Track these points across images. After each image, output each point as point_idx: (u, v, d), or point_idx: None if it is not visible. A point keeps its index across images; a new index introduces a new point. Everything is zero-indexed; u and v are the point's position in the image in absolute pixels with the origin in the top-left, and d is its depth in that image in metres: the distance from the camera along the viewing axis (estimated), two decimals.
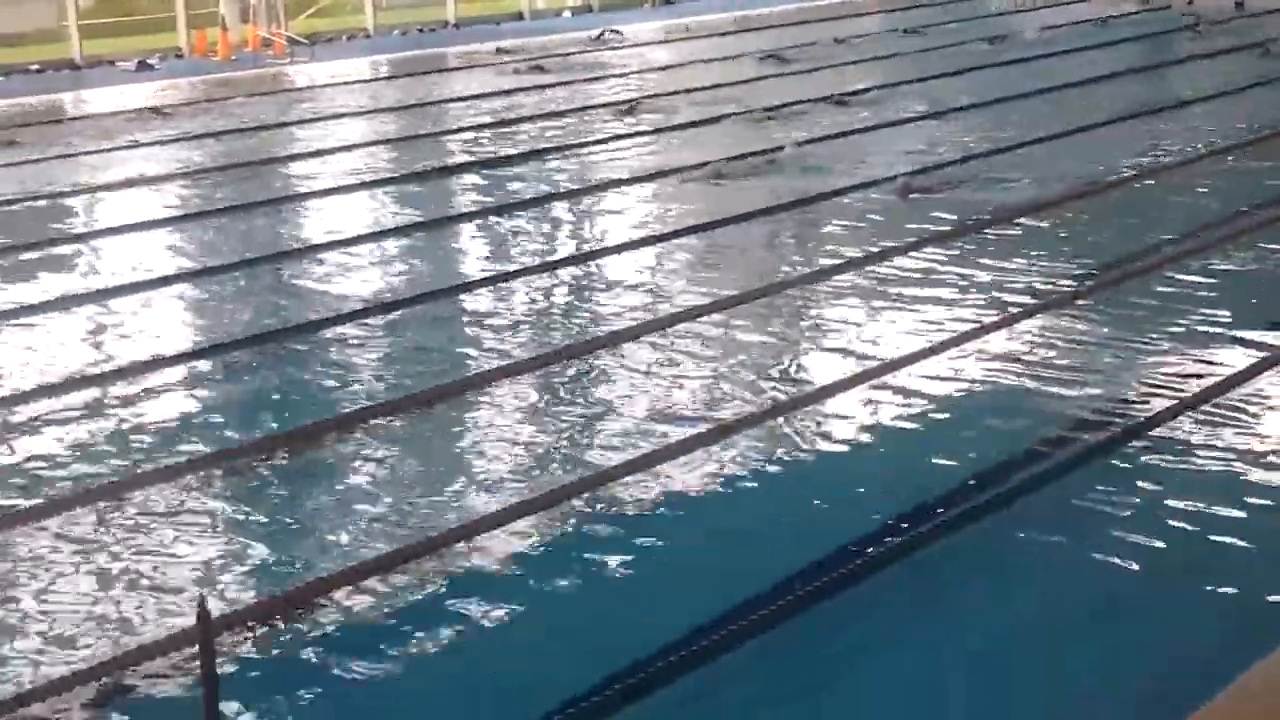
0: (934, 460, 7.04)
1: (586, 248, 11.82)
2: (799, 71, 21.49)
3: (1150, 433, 7.22)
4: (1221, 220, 11.43)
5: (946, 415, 7.67)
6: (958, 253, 10.78)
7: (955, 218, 11.77)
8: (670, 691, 5.17)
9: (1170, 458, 6.93)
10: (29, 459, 7.60)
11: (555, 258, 11.39)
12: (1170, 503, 6.46)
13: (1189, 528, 6.24)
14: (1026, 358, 8.41)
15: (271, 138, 17.79)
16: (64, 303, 10.50)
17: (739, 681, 5.27)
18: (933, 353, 8.50)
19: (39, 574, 6.27)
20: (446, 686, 5.39)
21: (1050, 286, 9.75)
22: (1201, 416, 7.36)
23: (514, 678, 5.39)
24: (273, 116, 19.38)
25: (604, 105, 18.78)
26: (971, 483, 6.73)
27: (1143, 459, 6.95)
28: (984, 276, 10.06)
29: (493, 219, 12.81)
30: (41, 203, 14.07)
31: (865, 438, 7.44)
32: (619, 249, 11.58)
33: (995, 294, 9.61)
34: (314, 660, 5.52)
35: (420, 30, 29.69)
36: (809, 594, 5.72)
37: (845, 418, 7.68)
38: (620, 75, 21.97)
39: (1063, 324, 8.98)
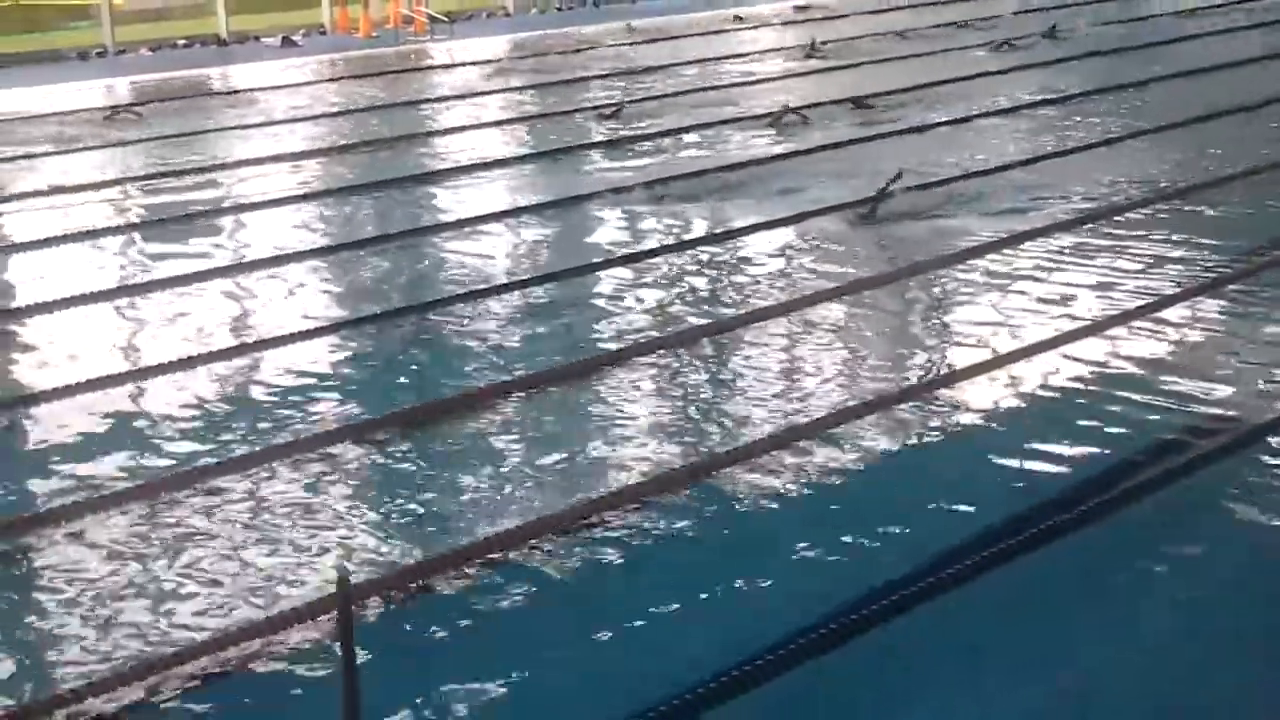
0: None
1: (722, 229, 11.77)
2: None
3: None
4: None
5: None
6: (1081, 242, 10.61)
7: (1081, 206, 11.57)
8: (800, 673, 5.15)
9: None
10: (172, 427, 7.77)
11: (690, 238, 11.39)
12: None
13: None
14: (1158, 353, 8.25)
15: (413, 114, 17.97)
16: (208, 274, 10.72)
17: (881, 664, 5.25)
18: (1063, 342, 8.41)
19: (181, 541, 6.38)
20: (589, 666, 5.39)
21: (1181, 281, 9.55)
22: None
23: (651, 661, 5.38)
24: (414, 93, 19.60)
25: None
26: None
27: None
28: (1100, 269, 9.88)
29: (623, 198, 12.81)
30: (190, 175, 14.38)
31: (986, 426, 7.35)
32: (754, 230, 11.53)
33: (1116, 288, 9.44)
34: (452, 631, 5.56)
35: (559, 9, 29.79)
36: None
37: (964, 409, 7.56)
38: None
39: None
